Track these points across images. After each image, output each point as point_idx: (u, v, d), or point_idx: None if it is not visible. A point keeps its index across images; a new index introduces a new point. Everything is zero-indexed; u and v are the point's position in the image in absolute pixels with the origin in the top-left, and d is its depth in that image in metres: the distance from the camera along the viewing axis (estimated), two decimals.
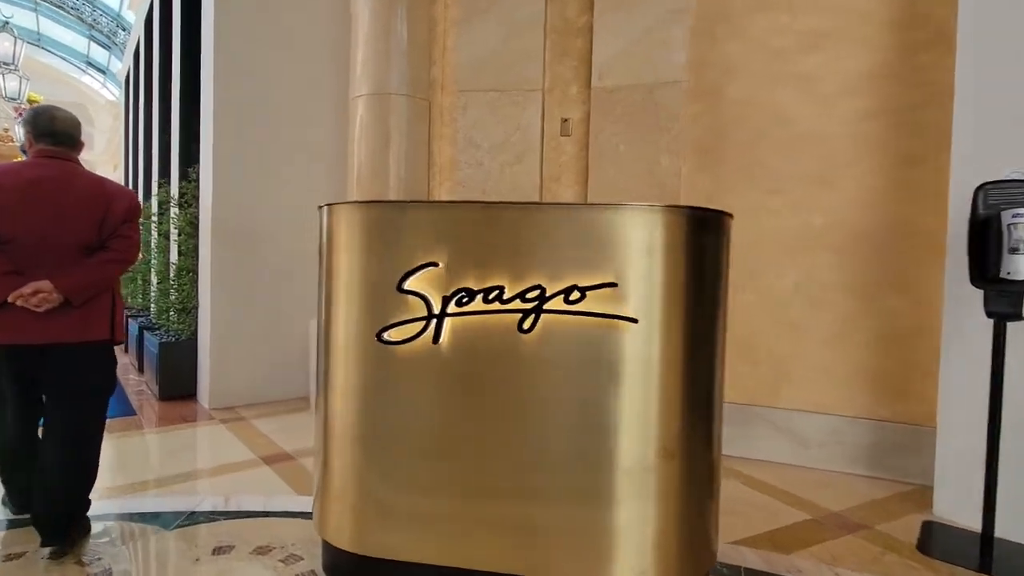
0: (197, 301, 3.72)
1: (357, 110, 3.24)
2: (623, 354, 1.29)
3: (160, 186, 5.06)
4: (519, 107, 3.00)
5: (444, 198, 3.22)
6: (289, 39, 3.68)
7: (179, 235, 3.94)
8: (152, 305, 5.17)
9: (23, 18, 13.70)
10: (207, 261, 3.51)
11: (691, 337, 1.34)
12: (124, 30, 14.06)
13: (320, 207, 1.61)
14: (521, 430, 1.34)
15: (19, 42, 9.79)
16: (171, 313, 4.03)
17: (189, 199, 3.82)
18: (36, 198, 1.69)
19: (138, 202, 2.01)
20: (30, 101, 16.28)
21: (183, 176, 4.00)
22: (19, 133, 15.21)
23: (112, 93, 19.15)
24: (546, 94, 3.02)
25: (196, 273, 3.76)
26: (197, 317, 3.74)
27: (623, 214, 1.31)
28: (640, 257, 1.29)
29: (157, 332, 4.04)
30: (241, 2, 3.50)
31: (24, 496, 1.81)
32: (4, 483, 1.91)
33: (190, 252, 3.85)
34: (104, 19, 13.89)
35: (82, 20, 14.02)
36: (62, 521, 1.70)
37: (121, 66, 13.86)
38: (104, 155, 19.77)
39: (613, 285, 1.27)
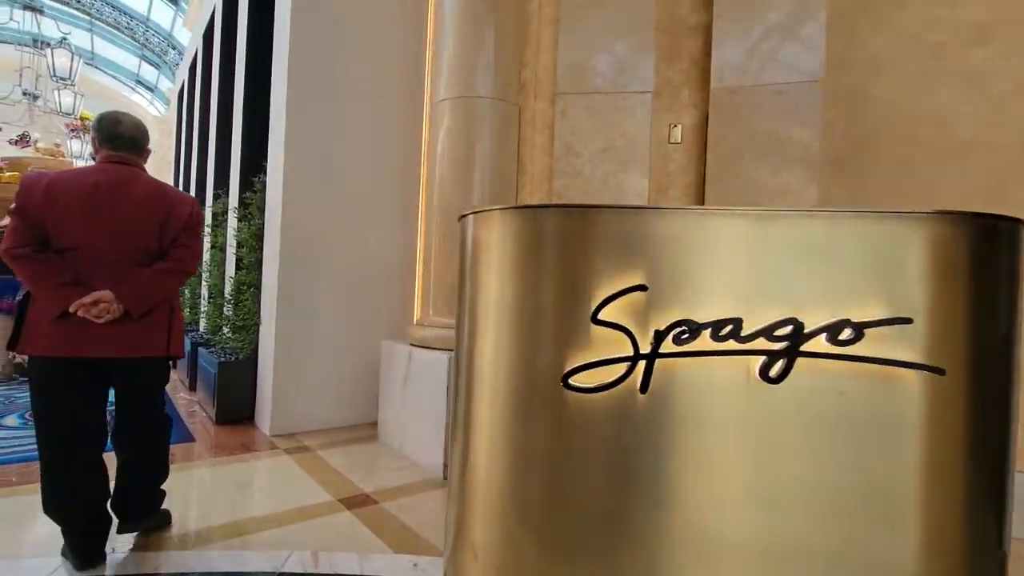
0: (259, 318, 3.48)
1: (439, 116, 3.00)
2: (917, 417, 0.95)
3: (216, 197, 4.92)
4: (624, 112, 2.71)
5: None
6: (362, 44, 3.49)
7: (241, 248, 3.74)
8: (203, 320, 4.99)
9: (78, 37, 14.18)
10: (273, 276, 3.27)
11: (997, 391, 0.99)
12: (174, 49, 14.45)
13: (465, 215, 1.31)
14: (760, 518, 1.00)
15: (76, 58, 10.05)
16: (226, 330, 3.81)
17: (253, 211, 3.62)
18: (95, 204, 1.63)
19: (200, 210, 1.91)
20: (82, 118, 16.87)
21: (246, 187, 3.81)
22: (70, 147, 15.68)
23: (158, 110, 19.74)
24: (654, 98, 2.72)
25: (258, 288, 3.53)
26: (257, 335, 3.50)
27: (915, 224, 0.97)
28: (937, 282, 0.96)
29: (212, 350, 3.81)
30: (316, 12, 3.32)
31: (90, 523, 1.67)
32: (63, 517, 1.65)
33: (252, 266, 3.63)
34: (156, 38, 14.30)
35: (135, 39, 14.46)
36: (140, 518, 1.83)
37: (170, 84, 14.25)
38: (151, 170, 20.29)
39: (906, 321, 0.94)
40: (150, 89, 18.30)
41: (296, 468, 2.69)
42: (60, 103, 12.00)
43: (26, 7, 13.44)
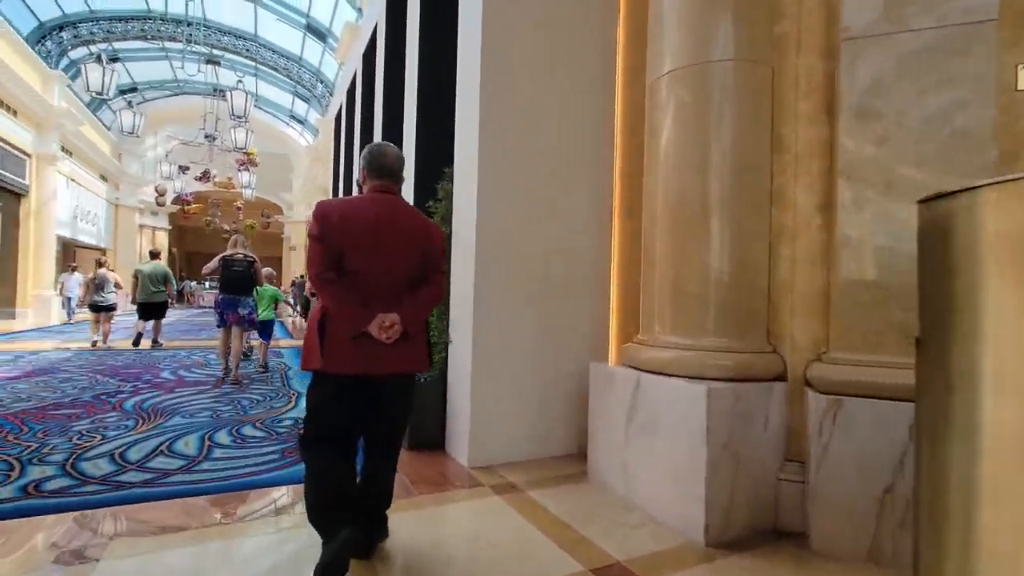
0: (448, 336, 3.21)
1: (659, 94, 2.48)
2: None
3: None
4: (952, 54, 1.96)
5: (803, 195, 2.26)
6: (555, 36, 3.10)
7: None
8: None
9: (246, 81, 16.11)
10: (467, 290, 2.97)
11: None
12: (322, 83, 15.83)
13: (945, 195, 0.74)
14: None
15: (249, 97, 11.23)
16: None
17: (437, 221, 3.38)
18: (378, 233, 1.77)
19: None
20: (247, 155, 19.20)
21: (424, 198, 3.61)
22: (240, 179, 17.77)
23: (307, 140, 21.95)
24: (998, 28, 1.94)
25: (446, 305, 3.26)
26: (446, 355, 3.23)
27: None
28: None
29: None
30: (504, 16, 2.99)
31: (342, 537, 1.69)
32: (324, 530, 1.73)
33: None
34: (307, 74, 15.76)
35: (289, 78, 16.07)
36: (372, 537, 1.91)
37: (318, 115, 15.65)
38: (300, 194, 22.62)
39: None
40: (301, 122, 20.34)
41: (514, 515, 2.29)
42: (235, 139, 13.52)
43: (208, 61, 15.60)
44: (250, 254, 5.60)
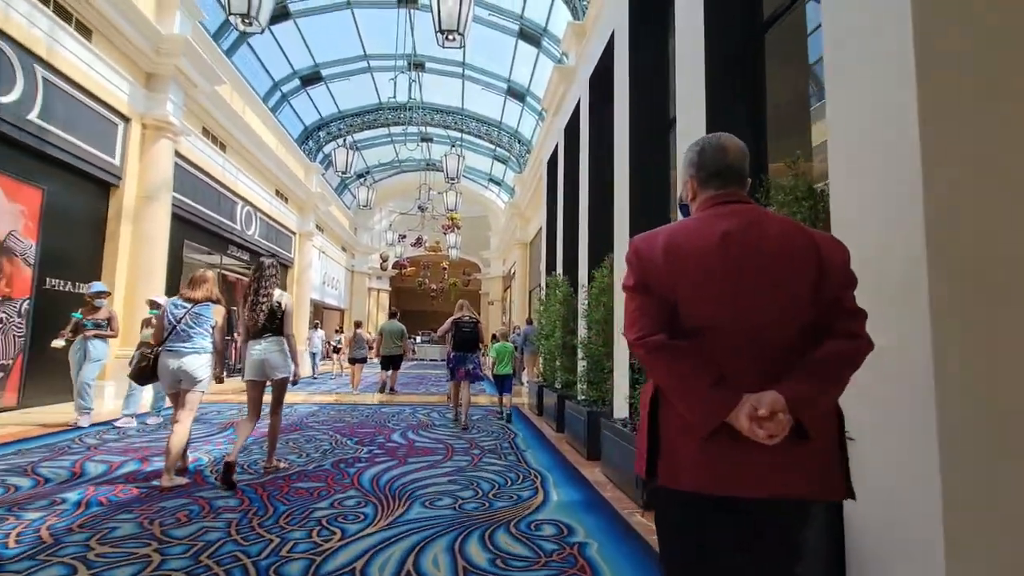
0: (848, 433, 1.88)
1: None
2: None
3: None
4: None
5: None
6: None
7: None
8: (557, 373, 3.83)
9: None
10: (910, 338, 1.63)
11: None
12: (520, 143, 16.39)
13: None
14: None
15: (460, 159, 11.88)
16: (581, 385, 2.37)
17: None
18: (731, 264, 1.13)
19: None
20: (451, 219, 20.85)
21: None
22: (447, 240, 19.17)
23: (502, 200, 23.14)
24: None
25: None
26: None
27: None
28: None
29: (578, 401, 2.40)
30: None
31: None
32: None
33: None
34: (505, 136, 16.51)
35: (490, 141, 17.01)
36: None
37: (512, 173, 16.16)
38: (496, 251, 23.74)
39: None
40: (498, 183, 21.52)
41: None
42: (446, 201, 14.45)
43: (422, 139, 17.45)
44: (475, 316, 6.20)
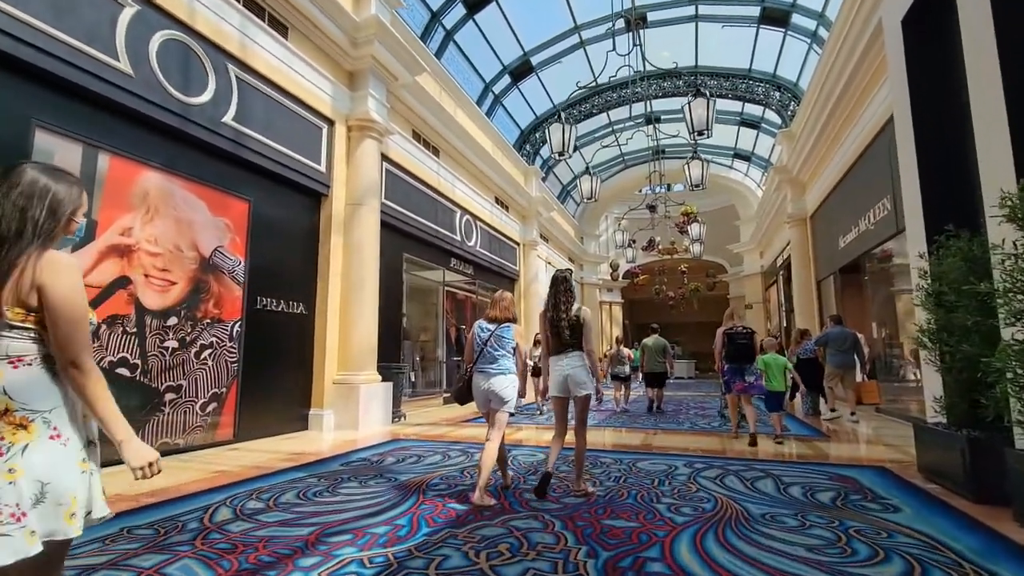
0: None
1: None
2: None
3: None
4: None
5: None
6: None
7: None
8: None
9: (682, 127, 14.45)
10: None
11: None
12: (779, 90, 12.38)
13: None
14: None
15: (705, 164, 9.74)
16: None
17: None
18: None
19: None
20: (684, 214, 17.45)
21: None
22: (682, 241, 15.88)
23: (753, 180, 18.62)
24: None
25: None
26: None
27: None
28: None
29: None
30: None
31: None
32: None
33: None
34: (759, 88, 12.69)
35: (736, 97, 13.32)
36: None
37: (769, 138, 11.86)
38: (750, 243, 19.25)
39: None
40: (746, 158, 17.32)
41: None
42: (689, 176, 11.50)
43: (647, 121, 14.80)
44: (748, 326, 5.96)
